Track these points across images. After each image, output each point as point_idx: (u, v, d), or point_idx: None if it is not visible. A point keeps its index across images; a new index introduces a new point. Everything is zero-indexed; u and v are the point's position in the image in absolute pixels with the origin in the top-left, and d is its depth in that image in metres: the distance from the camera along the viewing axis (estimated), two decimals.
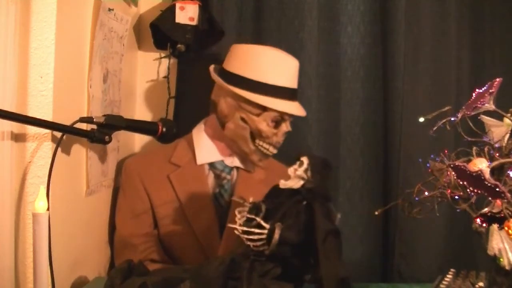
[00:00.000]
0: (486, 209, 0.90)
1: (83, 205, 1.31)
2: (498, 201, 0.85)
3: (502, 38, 1.79)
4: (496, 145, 0.95)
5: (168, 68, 1.75)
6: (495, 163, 0.90)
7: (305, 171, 0.95)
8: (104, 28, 1.36)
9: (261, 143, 1.37)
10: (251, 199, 1.00)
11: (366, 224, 1.76)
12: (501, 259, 0.88)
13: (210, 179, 1.42)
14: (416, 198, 0.98)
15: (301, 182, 0.96)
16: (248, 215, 0.96)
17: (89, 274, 1.34)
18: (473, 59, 1.80)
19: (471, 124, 0.97)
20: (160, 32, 1.64)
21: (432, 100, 1.76)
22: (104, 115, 1.28)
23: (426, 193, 0.97)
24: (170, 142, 1.46)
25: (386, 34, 1.76)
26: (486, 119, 1.00)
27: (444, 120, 0.98)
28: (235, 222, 0.97)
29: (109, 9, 1.36)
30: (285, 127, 1.36)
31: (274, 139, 1.36)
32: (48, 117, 1.11)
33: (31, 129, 1.11)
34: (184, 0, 1.62)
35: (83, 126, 1.25)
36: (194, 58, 1.73)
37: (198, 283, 0.97)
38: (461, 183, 0.89)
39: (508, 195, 0.84)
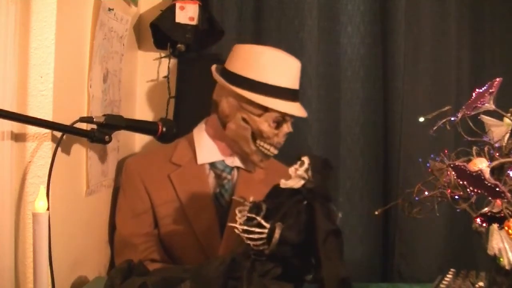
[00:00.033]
0: (486, 209, 0.90)
1: (83, 205, 1.31)
2: (498, 201, 0.85)
3: (502, 38, 1.79)
4: (496, 145, 0.95)
5: (168, 68, 1.75)
6: (495, 163, 0.90)
7: (306, 171, 0.95)
8: (104, 28, 1.36)
9: (262, 143, 1.37)
10: (251, 199, 1.00)
11: (366, 224, 1.76)
12: (501, 259, 0.88)
13: (211, 179, 1.42)
14: (416, 198, 0.98)
15: (302, 182, 0.96)
16: (249, 215, 0.96)
17: (89, 274, 1.34)
18: (473, 59, 1.80)
19: (471, 124, 0.96)
20: (160, 32, 1.65)
21: (432, 100, 1.76)
22: (104, 115, 1.28)
23: (426, 193, 0.97)
24: (170, 142, 1.46)
25: (386, 34, 1.76)
26: (486, 119, 1.00)
27: (444, 120, 0.98)
28: (235, 222, 0.97)
29: (109, 9, 1.36)
30: (286, 128, 1.36)
31: (275, 139, 1.36)
32: (48, 117, 1.11)
33: (31, 129, 1.11)
34: (184, 0, 1.62)
35: (83, 126, 1.25)
36: (194, 58, 1.73)
37: (198, 283, 0.97)
38: (461, 183, 0.89)
39: (508, 195, 0.84)
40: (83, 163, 1.30)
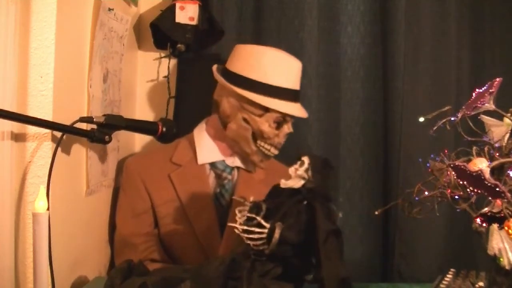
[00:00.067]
0: (486, 209, 0.90)
1: (83, 205, 1.31)
2: (498, 201, 0.85)
3: (502, 38, 1.79)
4: (496, 145, 0.95)
5: (168, 68, 1.75)
6: (495, 163, 0.90)
7: (306, 170, 0.95)
8: (104, 28, 1.36)
9: (262, 143, 1.37)
10: (251, 199, 1.00)
11: (366, 224, 1.76)
12: (501, 259, 0.88)
13: (211, 179, 1.42)
14: (416, 198, 0.98)
15: (302, 182, 0.96)
16: (249, 214, 0.96)
17: (89, 274, 1.34)
18: (473, 59, 1.80)
19: (471, 124, 0.96)
20: (160, 32, 1.65)
21: (432, 100, 1.76)
22: (104, 115, 1.28)
23: (426, 193, 0.97)
24: (170, 142, 1.46)
25: (386, 34, 1.76)
26: (486, 119, 1.00)
27: (444, 120, 0.98)
28: (235, 222, 0.97)
29: (109, 9, 1.36)
30: (287, 128, 1.36)
31: (275, 140, 1.36)
32: (48, 117, 1.11)
33: (31, 129, 1.11)
34: (184, 0, 1.62)
35: (83, 126, 1.25)
36: (194, 58, 1.73)
37: (198, 283, 0.97)
38: (461, 183, 0.89)
39: (508, 195, 0.84)
40: (83, 163, 1.30)
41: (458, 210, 0.92)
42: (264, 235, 0.94)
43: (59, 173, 1.14)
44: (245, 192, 1.27)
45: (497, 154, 0.93)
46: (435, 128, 0.98)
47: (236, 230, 0.96)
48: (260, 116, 1.34)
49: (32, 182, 1.11)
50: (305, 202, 0.97)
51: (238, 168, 1.44)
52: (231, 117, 1.37)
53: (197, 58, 1.73)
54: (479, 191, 0.86)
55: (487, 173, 0.86)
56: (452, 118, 0.97)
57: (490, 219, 0.89)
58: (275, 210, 0.97)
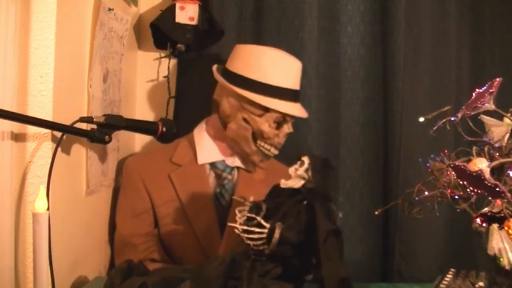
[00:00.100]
0: (486, 209, 0.90)
1: (83, 205, 1.31)
2: (498, 201, 0.85)
3: (502, 38, 1.79)
4: (496, 145, 0.95)
5: (168, 68, 1.75)
6: (495, 163, 0.90)
7: (306, 170, 0.95)
8: (104, 28, 1.36)
9: (262, 143, 1.37)
10: (251, 199, 1.00)
11: (366, 224, 1.76)
12: (501, 259, 0.88)
13: (211, 179, 1.42)
14: (416, 198, 0.98)
15: (302, 182, 0.96)
16: (249, 214, 0.96)
17: (89, 274, 1.34)
18: (473, 59, 1.80)
19: (471, 124, 0.96)
20: (160, 32, 1.65)
21: (432, 100, 1.76)
22: (104, 115, 1.28)
23: (426, 193, 0.97)
24: (170, 142, 1.46)
25: (386, 34, 1.76)
26: (486, 119, 1.00)
27: (444, 120, 0.98)
28: (235, 222, 0.97)
29: (109, 9, 1.36)
30: (287, 128, 1.36)
31: (275, 140, 1.36)
32: (48, 117, 1.11)
33: (31, 129, 1.11)
34: (184, 0, 1.62)
35: (83, 126, 1.25)
36: (194, 58, 1.73)
37: (198, 283, 0.97)
38: (461, 183, 0.89)
39: (508, 195, 0.84)
40: (83, 163, 1.30)
41: (458, 210, 0.92)
42: (264, 235, 0.94)
43: (59, 173, 1.14)
44: (245, 192, 1.27)
45: (497, 154, 0.93)
46: (435, 128, 0.98)
47: (236, 230, 0.96)
48: (260, 116, 1.34)
49: (32, 182, 1.11)
50: (305, 202, 0.97)
51: (238, 168, 1.44)
52: (231, 117, 1.37)
53: (197, 58, 1.73)
54: (479, 191, 0.86)
55: (487, 173, 0.86)
56: (452, 118, 0.97)
57: (490, 219, 0.89)
58: (275, 210, 0.97)
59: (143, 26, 1.74)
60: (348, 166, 1.78)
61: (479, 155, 0.92)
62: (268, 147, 1.37)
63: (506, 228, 0.86)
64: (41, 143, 1.12)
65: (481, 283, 1.04)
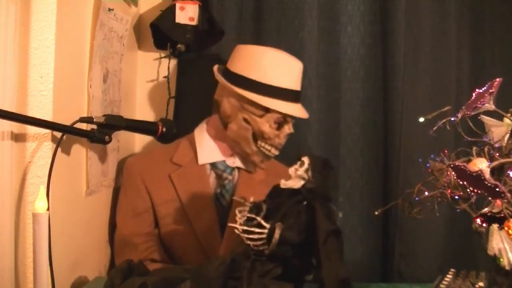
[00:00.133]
0: (486, 209, 0.90)
1: (83, 205, 1.31)
2: (498, 201, 0.85)
3: (502, 38, 1.79)
4: (496, 145, 0.95)
5: (168, 68, 1.75)
6: (495, 163, 0.90)
7: (306, 171, 0.95)
8: (104, 28, 1.36)
9: (263, 144, 1.37)
10: (251, 199, 1.00)
11: (366, 224, 1.76)
12: (501, 259, 0.88)
13: (212, 179, 1.42)
14: (416, 198, 0.98)
15: (302, 182, 0.96)
16: (249, 215, 0.96)
17: (89, 274, 1.34)
18: (473, 59, 1.80)
19: (471, 124, 0.96)
20: (160, 32, 1.65)
21: (432, 100, 1.76)
22: (104, 115, 1.28)
23: (426, 193, 0.97)
24: (170, 142, 1.46)
25: (386, 34, 1.76)
26: (486, 119, 1.00)
27: (444, 120, 0.98)
28: (236, 222, 0.97)
29: (109, 9, 1.36)
30: (288, 129, 1.36)
31: (276, 140, 1.36)
32: (48, 117, 1.11)
33: (31, 129, 1.11)
34: (184, 0, 1.62)
35: (83, 126, 1.25)
36: (194, 58, 1.73)
37: (199, 283, 0.97)
38: (461, 183, 0.89)
39: (508, 195, 0.84)
40: (83, 163, 1.30)
41: (458, 210, 0.92)
42: (264, 236, 0.94)
43: (59, 173, 1.14)
44: (246, 192, 1.27)
45: (497, 154, 0.93)
46: (435, 128, 0.98)
47: (236, 231, 0.96)
48: (260, 116, 1.34)
49: (32, 182, 1.11)
50: (305, 203, 0.97)
51: (238, 168, 1.44)
52: (231, 117, 1.37)
53: (197, 58, 1.73)
54: (479, 191, 0.86)
55: (487, 173, 0.86)
56: (452, 118, 0.97)
57: (490, 219, 0.89)
58: (275, 210, 0.97)
59: (143, 26, 1.74)
60: (348, 166, 1.78)
61: (479, 155, 0.92)
62: (269, 147, 1.37)
63: (506, 228, 0.86)
64: (41, 143, 1.12)
65: (481, 283, 1.04)
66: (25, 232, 1.10)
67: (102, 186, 1.43)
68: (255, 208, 0.98)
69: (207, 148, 1.42)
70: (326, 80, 1.77)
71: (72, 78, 1.23)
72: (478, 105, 0.96)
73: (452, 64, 1.77)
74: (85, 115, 1.28)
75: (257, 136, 1.36)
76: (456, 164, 0.90)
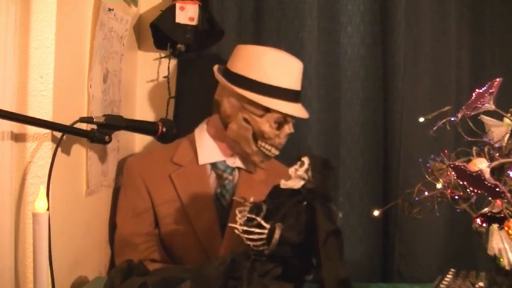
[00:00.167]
0: (486, 209, 0.90)
1: (83, 205, 1.31)
2: (498, 201, 0.85)
3: (502, 38, 1.79)
4: (496, 145, 0.95)
5: (168, 68, 1.75)
6: (495, 163, 0.90)
7: (306, 171, 0.95)
8: (104, 28, 1.36)
9: (263, 144, 1.37)
10: (252, 199, 1.00)
11: (366, 224, 1.76)
12: (501, 259, 0.88)
13: (212, 179, 1.42)
14: (416, 198, 0.98)
15: (302, 182, 0.96)
16: (249, 215, 0.96)
17: (89, 274, 1.34)
18: (473, 59, 1.80)
19: (471, 124, 0.96)
20: (160, 32, 1.65)
21: (432, 100, 1.76)
22: (104, 115, 1.28)
23: (426, 193, 0.97)
24: (170, 142, 1.46)
25: (386, 34, 1.76)
26: (486, 119, 1.00)
27: (444, 120, 0.98)
28: (236, 222, 0.97)
29: (109, 9, 1.36)
30: (288, 128, 1.36)
31: (276, 140, 1.36)
32: (48, 117, 1.11)
33: (31, 129, 1.11)
34: (184, 0, 1.62)
35: (83, 126, 1.25)
36: (194, 58, 1.73)
37: (199, 283, 0.97)
38: (461, 183, 0.89)
39: (508, 195, 0.84)
40: (83, 163, 1.30)
41: (458, 210, 0.92)
42: (264, 236, 0.94)
43: (59, 173, 1.14)
44: (246, 192, 1.27)
45: (497, 154, 0.93)
46: (435, 128, 0.98)
47: (236, 231, 0.96)
48: (260, 116, 1.34)
49: (32, 182, 1.11)
50: (305, 203, 0.97)
51: (239, 168, 1.44)
52: (231, 117, 1.37)
53: (197, 58, 1.73)
54: (479, 191, 0.86)
55: (487, 173, 0.86)
56: (452, 118, 0.98)
57: (490, 219, 0.89)
58: (275, 210, 0.97)
59: (143, 26, 1.74)
60: (348, 166, 1.78)
61: (479, 155, 0.92)
62: (269, 147, 1.37)
63: (506, 228, 0.86)
64: (41, 143, 1.12)
65: (481, 283, 1.04)
66: (25, 232, 1.10)
67: (102, 186, 1.43)
68: (255, 208, 0.98)
69: (208, 148, 1.42)
70: (326, 80, 1.77)
71: (72, 78, 1.23)
72: (478, 105, 0.96)
73: (452, 64, 1.77)
74: (85, 115, 1.28)
75: (257, 136, 1.36)
76: (456, 164, 0.90)
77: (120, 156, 1.56)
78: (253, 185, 1.40)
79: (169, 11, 1.63)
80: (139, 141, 1.77)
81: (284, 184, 0.97)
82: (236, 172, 1.44)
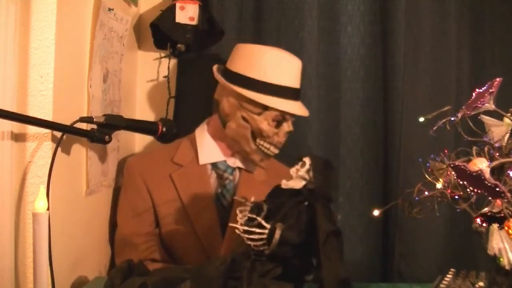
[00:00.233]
0: (486, 209, 0.90)
1: (83, 205, 1.31)
2: (498, 201, 0.85)
3: (502, 38, 1.79)
4: (496, 145, 0.95)
5: (168, 68, 1.75)
6: (495, 163, 0.90)
7: (307, 171, 0.95)
8: (104, 28, 1.36)
9: (262, 142, 1.37)
10: (252, 199, 1.00)
11: (366, 224, 1.76)
12: (501, 259, 0.88)
13: (212, 179, 1.42)
14: (416, 198, 0.98)
15: (303, 183, 0.96)
16: (250, 215, 0.96)
17: (89, 274, 1.34)
18: (473, 59, 1.80)
19: (471, 124, 0.97)
20: (160, 32, 1.65)
21: (432, 100, 1.76)
22: (104, 115, 1.28)
23: (426, 193, 0.97)
24: (170, 142, 1.46)
25: (386, 34, 1.76)
26: (486, 119, 1.00)
27: (444, 120, 0.98)
28: (236, 222, 0.97)
29: (109, 9, 1.36)
30: (287, 127, 1.36)
31: (275, 138, 1.36)
32: (48, 117, 1.11)
33: (31, 129, 1.11)
34: (184, 0, 1.62)
35: (83, 126, 1.25)
36: (194, 58, 1.73)
37: (199, 283, 0.97)
38: (461, 183, 0.89)
39: (508, 195, 0.84)
40: (83, 163, 1.30)
41: (458, 210, 0.92)
42: (264, 236, 0.94)
43: (59, 173, 1.14)
44: (246, 192, 1.27)
45: (497, 154, 0.93)
46: (435, 128, 0.99)
47: (236, 231, 0.96)
48: (259, 114, 1.34)
49: (32, 182, 1.11)
50: (306, 203, 0.97)
51: (239, 168, 1.44)
52: (230, 116, 1.37)
53: (197, 58, 1.73)
54: (479, 191, 0.86)
55: (487, 173, 0.86)
56: (452, 118, 0.98)
57: (490, 219, 0.89)
58: (276, 210, 0.97)
59: (143, 26, 1.74)
60: (348, 166, 1.78)
61: (479, 155, 0.92)
62: (268, 145, 1.37)
63: (506, 228, 0.86)
64: (41, 143, 1.12)
65: (481, 283, 1.04)
66: (25, 232, 1.10)
67: (102, 186, 1.43)
68: (256, 208, 0.98)
69: (208, 148, 1.42)
70: (326, 80, 1.77)
71: (72, 78, 1.23)
72: (478, 105, 0.96)
73: (452, 64, 1.77)
74: (85, 115, 1.28)
75: (256, 134, 1.36)
76: (456, 164, 0.90)
77: (120, 156, 1.56)
78: (254, 185, 1.40)
79: (169, 11, 1.63)
80: (139, 141, 1.77)
81: (285, 184, 0.97)
82: (237, 172, 1.44)
